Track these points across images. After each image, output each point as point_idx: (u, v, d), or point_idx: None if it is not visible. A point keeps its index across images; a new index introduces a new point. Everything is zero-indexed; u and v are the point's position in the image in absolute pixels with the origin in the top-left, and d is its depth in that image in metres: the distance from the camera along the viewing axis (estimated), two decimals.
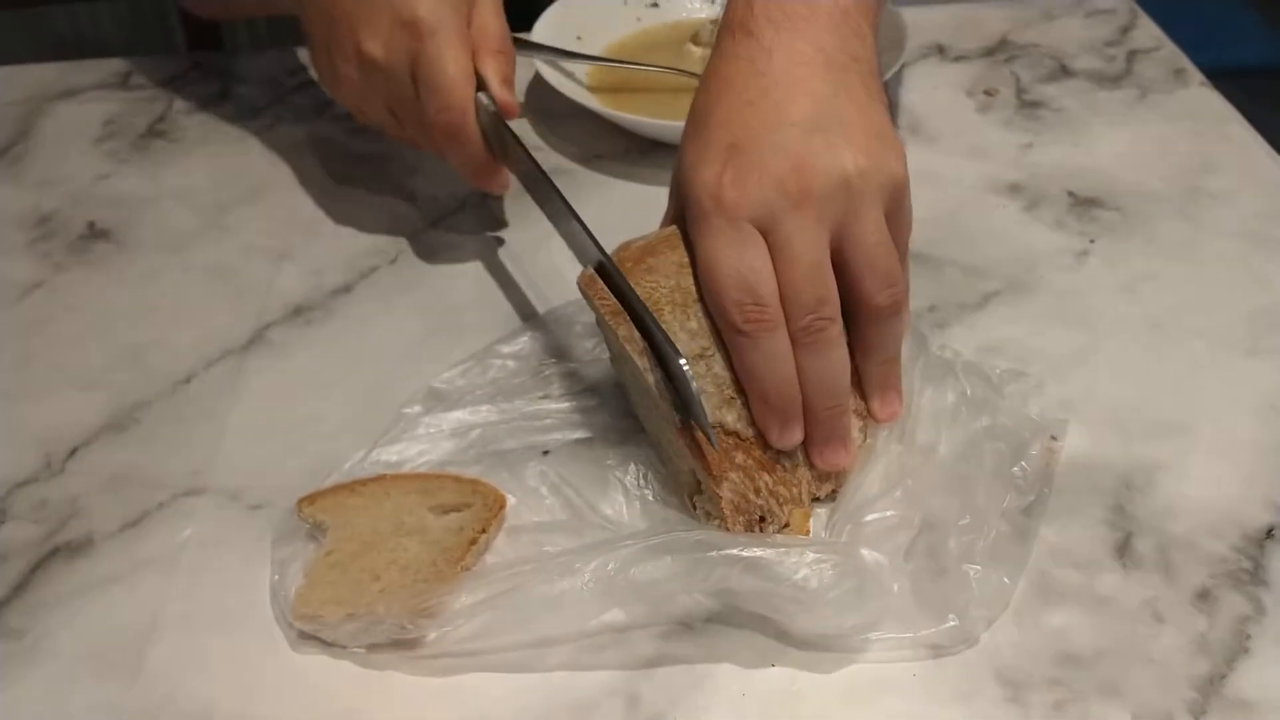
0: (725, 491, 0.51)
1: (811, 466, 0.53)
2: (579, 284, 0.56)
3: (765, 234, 0.51)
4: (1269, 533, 0.54)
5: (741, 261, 0.51)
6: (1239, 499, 0.55)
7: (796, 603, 0.48)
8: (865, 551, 0.49)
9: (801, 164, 0.51)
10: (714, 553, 0.48)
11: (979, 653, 0.49)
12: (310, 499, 0.55)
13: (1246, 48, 2.32)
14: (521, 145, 0.66)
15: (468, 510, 0.55)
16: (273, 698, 0.49)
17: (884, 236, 0.52)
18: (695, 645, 0.50)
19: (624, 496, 0.55)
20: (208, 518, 0.56)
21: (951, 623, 0.49)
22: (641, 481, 0.56)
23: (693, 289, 0.53)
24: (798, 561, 0.48)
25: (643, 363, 0.52)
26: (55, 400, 0.63)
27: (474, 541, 0.53)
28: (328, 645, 0.51)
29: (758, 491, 0.51)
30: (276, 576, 0.53)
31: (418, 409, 0.60)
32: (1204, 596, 0.51)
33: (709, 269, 0.51)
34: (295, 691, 0.49)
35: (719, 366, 0.52)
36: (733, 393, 0.52)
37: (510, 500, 0.55)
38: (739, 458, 0.51)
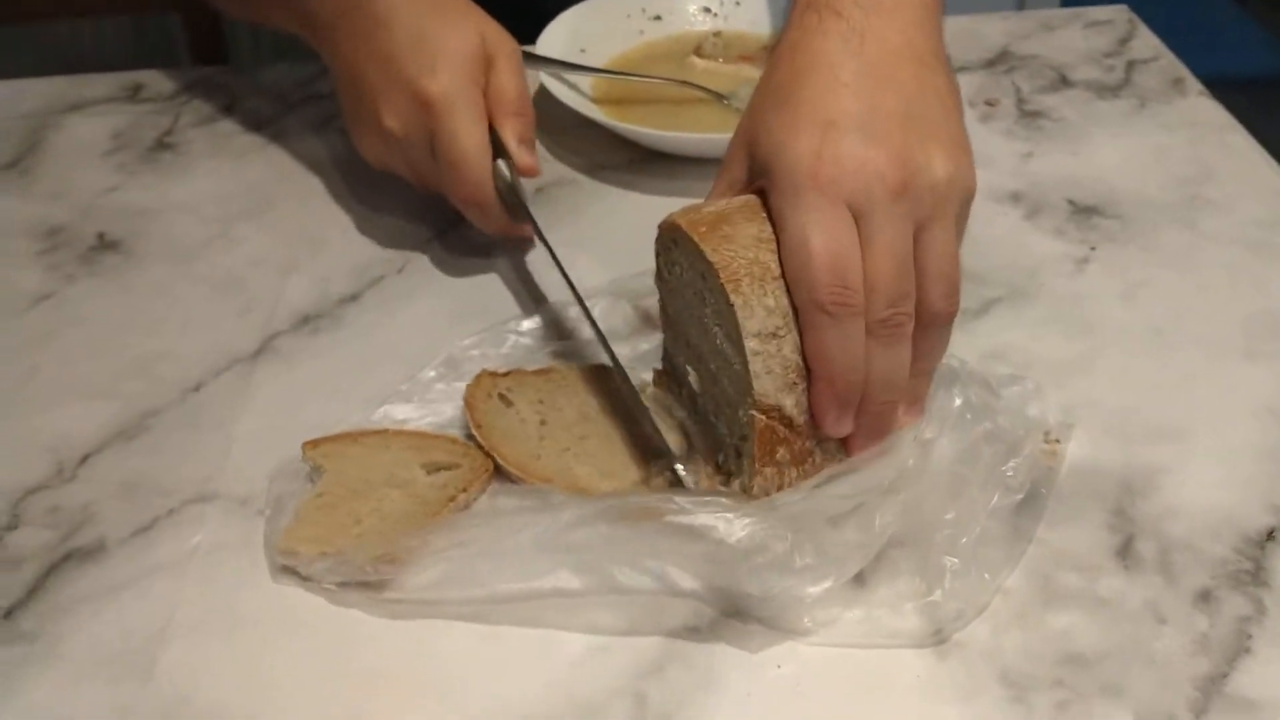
0: (755, 489, 0.52)
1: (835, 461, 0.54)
2: (670, 227, 0.56)
3: (857, 219, 0.51)
4: (1269, 534, 0.54)
5: (837, 241, 0.50)
6: (1238, 501, 0.56)
7: (719, 562, 0.51)
8: (829, 528, 0.51)
9: (900, 157, 0.51)
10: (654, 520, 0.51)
11: (982, 654, 0.50)
12: (314, 443, 0.58)
13: (1245, 57, 2.33)
14: (528, 211, 0.69)
15: (456, 470, 0.57)
16: (283, 700, 0.49)
17: (955, 246, 0.53)
18: (701, 646, 0.51)
19: None
20: (217, 524, 0.57)
21: (912, 606, 0.51)
22: None
23: (772, 265, 0.52)
24: (732, 524, 0.50)
25: (752, 345, 0.51)
26: (66, 408, 0.64)
27: (452, 499, 0.55)
28: (303, 579, 0.54)
29: (781, 488, 0.52)
30: (269, 511, 0.56)
31: (432, 374, 0.63)
32: (1205, 597, 0.52)
33: (801, 243, 0.51)
34: (305, 693, 0.50)
35: (788, 349, 0.51)
36: (796, 378, 0.51)
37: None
38: (780, 452, 0.52)
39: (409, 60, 0.68)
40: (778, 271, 0.51)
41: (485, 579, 0.52)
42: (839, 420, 0.52)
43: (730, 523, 0.50)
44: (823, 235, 0.50)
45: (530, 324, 0.67)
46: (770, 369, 0.51)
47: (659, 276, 0.59)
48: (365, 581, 0.53)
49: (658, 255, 0.59)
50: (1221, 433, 0.59)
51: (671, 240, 0.56)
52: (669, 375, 0.60)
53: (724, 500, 0.52)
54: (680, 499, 0.52)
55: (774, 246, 0.52)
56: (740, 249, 0.52)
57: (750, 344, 0.51)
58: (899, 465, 0.53)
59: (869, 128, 0.52)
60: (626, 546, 0.52)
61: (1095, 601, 0.52)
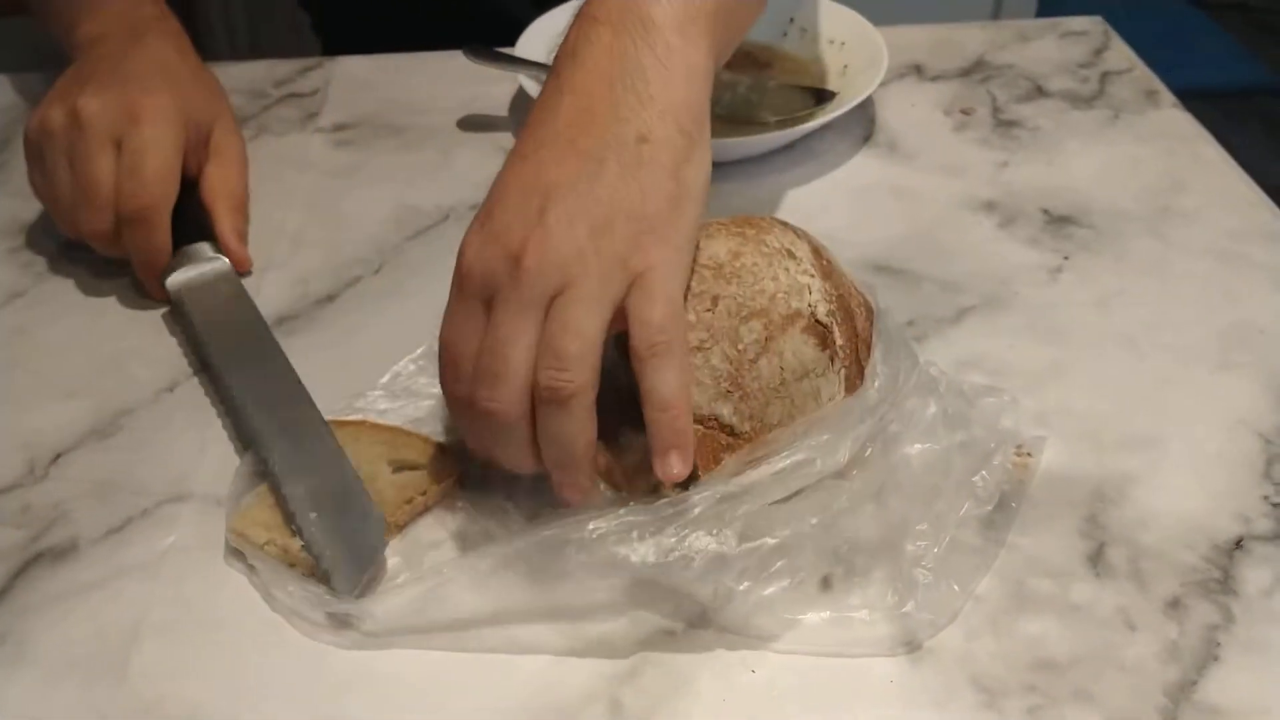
0: None
1: None
2: None
3: (487, 308, 0.50)
4: (1238, 543, 0.55)
5: (456, 336, 0.51)
6: (1209, 510, 0.56)
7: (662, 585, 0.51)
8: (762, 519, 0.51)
9: (528, 241, 0.49)
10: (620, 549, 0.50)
11: (955, 659, 0.50)
12: None
13: (1217, 68, 2.35)
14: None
15: (419, 471, 0.57)
16: (257, 700, 0.49)
17: (572, 319, 0.49)
18: (677, 651, 0.51)
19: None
20: (191, 524, 0.57)
21: (883, 616, 0.51)
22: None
23: (692, 285, 0.53)
24: (643, 546, 0.50)
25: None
26: (39, 407, 0.63)
27: (409, 501, 0.55)
28: (248, 567, 0.54)
29: None
30: (232, 488, 0.56)
31: (412, 367, 0.63)
32: (1175, 605, 0.52)
33: (440, 338, 0.52)
34: (279, 694, 0.49)
35: (716, 359, 0.52)
36: (728, 386, 0.52)
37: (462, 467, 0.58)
38: (725, 460, 0.52)
39: (141, 76, 0.70)
40: (697, 290, 0.53)
41: (420, 610, 0.51)
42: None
43: (641, 543, 0.50)
44: (447, 331, 0.51)
45: None
46: (699, 381, 0.52)
47: None
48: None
49: None
50: (1193, 442, 0.60)
51: None
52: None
53: (638, 517, 0.50)
54: (594, 523, 0.50)
55: (695, 267, 0.54)
56: None
57: None
58: (830, 463, 0.53)
59: (515, 212, 0.50)
60: (561, 589, 0.51)
61: (1067, 608, 0.52)
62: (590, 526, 0.50)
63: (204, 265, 0.68)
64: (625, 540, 0.50)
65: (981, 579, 0.53)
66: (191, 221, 0.71)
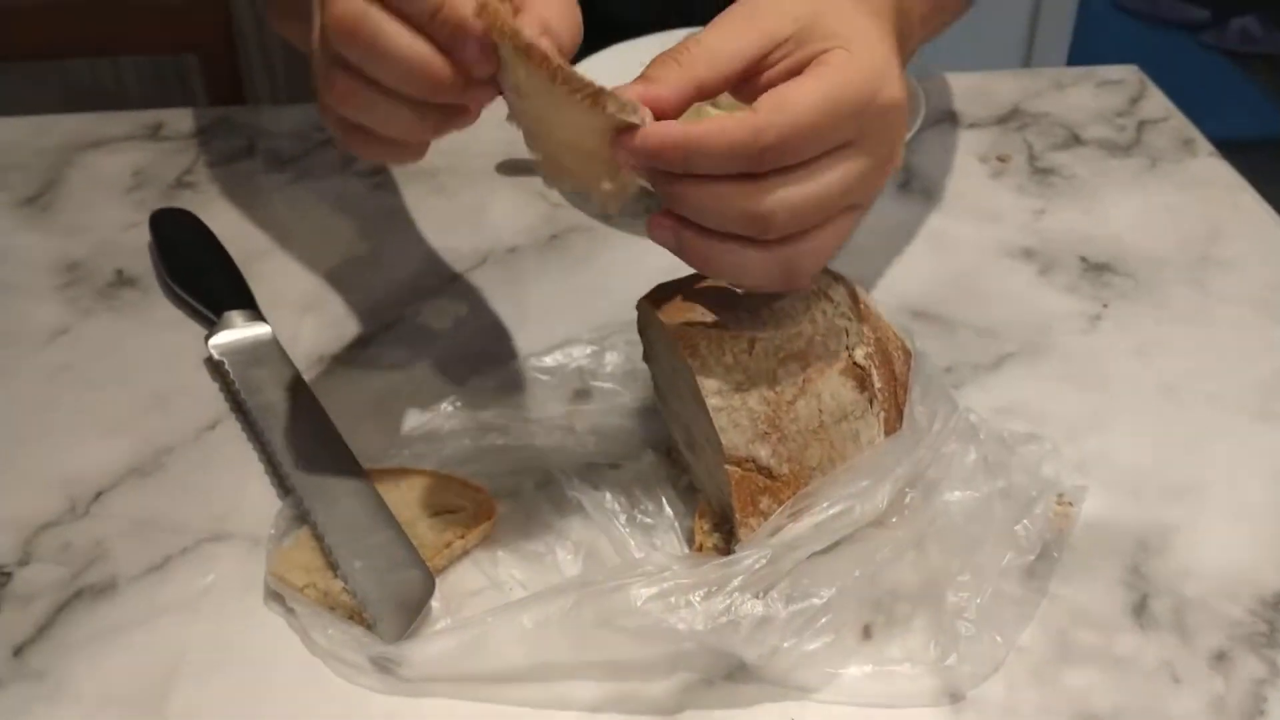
0: (743, 538, 0.52)
1: None
2: (641, 306, 0.58)
3: None
4: None
5: None
6: (1253, 562, 0.56)
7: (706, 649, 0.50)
8: (823, 591, 0.51)
9: None
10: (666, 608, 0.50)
11: (998, 710, 0.49)
12: None
13: (1249, 120, 2.35)
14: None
15: (458, 514, 0.57)
16: None
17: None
18: (715, 700, 0.50)
19: (625, 529, 0.57)
20: (231, 563, 0.57)
21: (925, 669, 0.50)
22: (642, 515, 0.58)
23: (730, 325, 0.54)
24: (695, 612, 0.49)
25: (713, 401, 0.52)
26: (81, 444, 0.64)
27: (448, 545, 0.56)
28: (287, 609, 0.54)
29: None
30: (272, 530, 0.57)
31: (449, 409, 0.64)
32: (1220, 658, 0.51)
33: None
34: None
35: (754, 401, 0.52)
36: (766, 428, 0.52)
37: (501, 510, 0.58)
38: (764, 502, 0.52)
39: None
40: (736, 331, 0.53)
41: (461, 658, 0.51)
42: None
43: (688, 609, 0.49)
44: None
45: (551, 361, 0.67)
46: (737, 423, 0.52)
47: (645, 355, 0.62)
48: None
49: (640, 334, 0.61)
50: (1235, 492, 0.59)
51: (645, 318, 0.59)
52: (674, 450, 0.61)
53: (684, 580, 0.50)
54: (640, 588, 0.50)
55: (733, 308, 0.54)
56: (699, 315, 0.54)
57: (711, 401, 0.52)
58: (870, 508, 0.52)
59: None
60: (605, 646, 0.51)
61: (1111, 660, 0.51)
62: (636, 592, 0.50)
63: (244, 330, 0.69)
64: (673, 609, 0.49)
65: (1024, 630, 0.52)
66: (232, 288, 0.72)
